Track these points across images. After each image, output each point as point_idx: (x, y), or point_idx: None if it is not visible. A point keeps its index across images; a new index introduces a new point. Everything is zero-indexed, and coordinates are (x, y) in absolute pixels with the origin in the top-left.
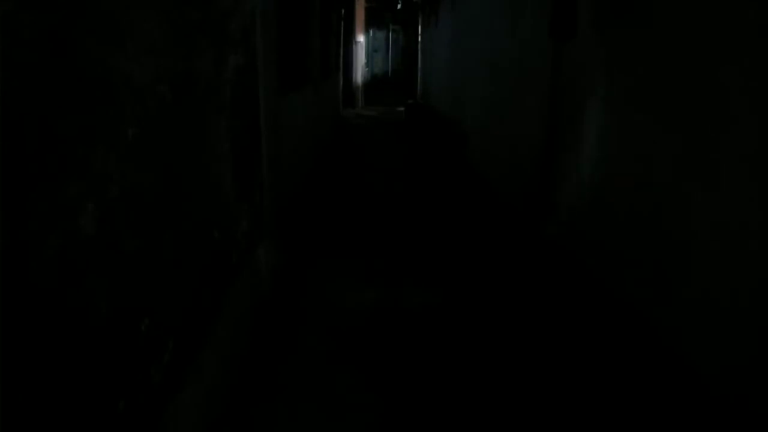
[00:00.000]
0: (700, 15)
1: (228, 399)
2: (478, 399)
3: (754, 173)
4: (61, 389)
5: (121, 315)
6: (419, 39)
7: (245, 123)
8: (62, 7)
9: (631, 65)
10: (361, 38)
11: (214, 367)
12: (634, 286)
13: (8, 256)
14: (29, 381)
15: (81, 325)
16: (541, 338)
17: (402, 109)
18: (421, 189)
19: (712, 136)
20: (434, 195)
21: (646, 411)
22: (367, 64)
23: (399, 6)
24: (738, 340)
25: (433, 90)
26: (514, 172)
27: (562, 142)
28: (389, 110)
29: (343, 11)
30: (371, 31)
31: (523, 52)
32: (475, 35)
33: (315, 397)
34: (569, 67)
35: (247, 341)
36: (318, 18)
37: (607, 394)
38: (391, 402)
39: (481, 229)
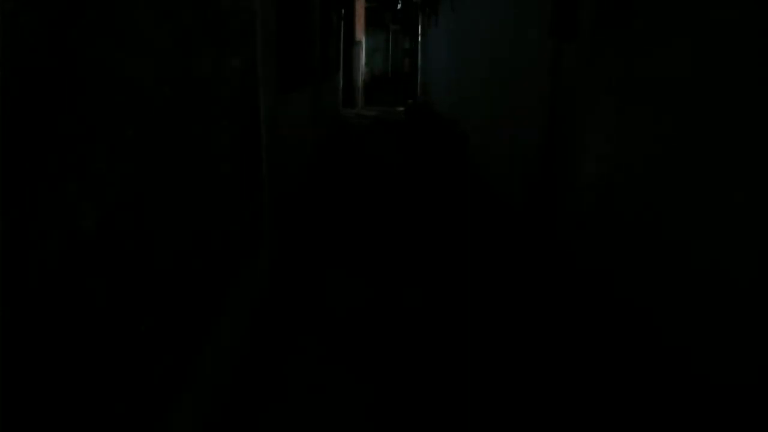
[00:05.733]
0: (700, 15)
1: (228, 398)
2: (478, 399)
3: (755, 175)
4: (59, 389)
5: (121, 315)
6: (419, 39)
7: (245, 123)
8: (62, 7)
9: (633, 64)
10: (361, 38)
11: (214, 366)
12: (634, 288)
13: (8, 256)
14: (29, 381)
15: (80, 324)
16: (544, 340)
17: (402, 109)
18: (421, 190)
19: (715, 136)
20: (435, 196)
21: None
22: (367, 64)
23: (399, 6)
24: (747, 349)
25: (433, 90)
26: (515, 173)
27: (564, 142)
28: (389, 110)
29: (343, 11)
30: (371, 31)
31: (524, 51)
32: (475, 35)
33: (314, 396)
34: (570, 66)
35: (247, 341)
36: (318, 18)
37: (614, 404)
38: (390, 400)
39: (481, 230)
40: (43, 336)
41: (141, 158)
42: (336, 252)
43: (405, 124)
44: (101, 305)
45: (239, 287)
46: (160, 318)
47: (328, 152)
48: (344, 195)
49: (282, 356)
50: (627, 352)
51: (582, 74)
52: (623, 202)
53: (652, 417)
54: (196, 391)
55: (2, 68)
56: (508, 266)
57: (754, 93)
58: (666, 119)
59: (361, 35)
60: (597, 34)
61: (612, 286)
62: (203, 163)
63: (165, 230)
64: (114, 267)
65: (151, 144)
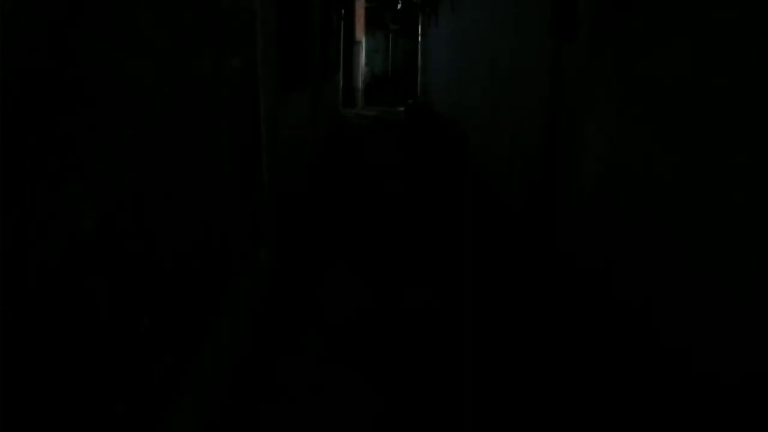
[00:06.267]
0: (700, 15)
1: (228, 398)
2: (479, 400)
3: (754, 175)
4: (60, 389)
5: (121, 315)
6: (419, 39)
7: (245, 123)
8: (62, 7)
9: (633, 64)
10: (361, 38)
11: (214, 366)
12: (634, 288)
13: (8, 256)
14: (29, 380)
15: (80, 324)
16: (544, 339)
17: (402, 109)
18: (421, 190)
19: (715, 136)
20: (435, 196)
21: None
22: (367, 64)
23: (399, 6)
24: (746, 348)
25: (433, 90)
26: (515, 173)
27: (564, 142)
28: (389, 110)
29: (343, 11)
30: (371, 31)
31: (524, 51)
32: (475, 35)
33: (314, 396)
34: (570, 66)
35: (247, 341)
36: (318, 18)
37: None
38: (391, 400)
39: (481, 230)
40: (43, 335)
41: (141, 158)
42: (336, 252)
43: (405, 124)
44: (101, 305)
45: (239, 287)
46: (160, 318)
47: (328, 152)
48: (344, 195)
49: (282, 356)
50: (626, 351)
51: (582, 74)
52: (623, 202)
53: (652, 416)
54: (196, 391)
55: (2, 68)
56: (508, 266)
57: (754, 93)
58: (666, 119)
59: (361, 35)
60: (597, 34)
61: (612, 286)
62: (203, 163)
63: (165, 230)
64: (114, 267)
65: (151, 144)
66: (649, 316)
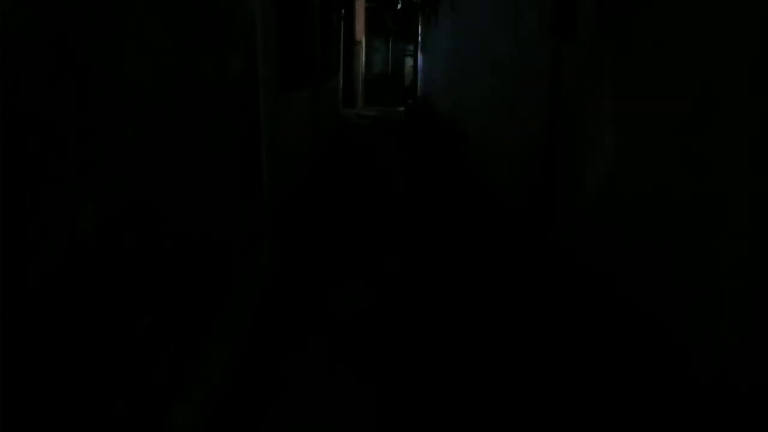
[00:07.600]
0: (701, 15)
1: (229, 398)
2: (479, 399)
3: (754, 172)
4: (60, 389)
5: (121, 315)
6: (419, 39)
7: (245, 123)
8: (63, 7)
9: (633, 64)
10: (361, 38)
11: (215, 366)
12: (634, 288)
13: (8, 256)
14: (29, 381)
15: (81, 324)
16: (543, 339)
17: (402, 109)
18: (421, 190)
19: (716, 136)
20: (435, 196)
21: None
22: (367, 63)
23: (399, 6)
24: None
25: (433, 90)
26: (516, 173)
27: (564, 142)
28: (389, 110)
29: (343, 11)
30: (371, 31)
31: (524, 51)
32: (475, 35)
33: (314, 395)
34: (570, 66)
35: (248, 340)
36: (318, 18)
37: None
38: (391, 401)
39: (482, 230)
40: (43, 336)
41: (141, 158)
42: (336, 252)
43: (405, 124)
44: (101, 305)
45: (240, 287)
46: (161, 317)
47: (329, 152)
48: (344, 195)
49: (282, 355)
50: (626, 350)
51: (582, 74)
52: (624, 202)
53: (649, 414)
54: (196, 391)
55: (2, 68)
56: (508, 265)
57: (755, 92)
58: (667, 119)
59: (361, 35)
60: (597, 34)
61: (612, 286)
62: (203, 163)
63: (165, 231)
64: (113, 268)
65: (151, 144)
66: (650, 314)
